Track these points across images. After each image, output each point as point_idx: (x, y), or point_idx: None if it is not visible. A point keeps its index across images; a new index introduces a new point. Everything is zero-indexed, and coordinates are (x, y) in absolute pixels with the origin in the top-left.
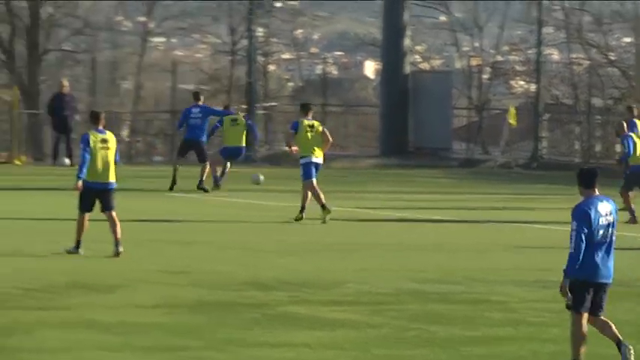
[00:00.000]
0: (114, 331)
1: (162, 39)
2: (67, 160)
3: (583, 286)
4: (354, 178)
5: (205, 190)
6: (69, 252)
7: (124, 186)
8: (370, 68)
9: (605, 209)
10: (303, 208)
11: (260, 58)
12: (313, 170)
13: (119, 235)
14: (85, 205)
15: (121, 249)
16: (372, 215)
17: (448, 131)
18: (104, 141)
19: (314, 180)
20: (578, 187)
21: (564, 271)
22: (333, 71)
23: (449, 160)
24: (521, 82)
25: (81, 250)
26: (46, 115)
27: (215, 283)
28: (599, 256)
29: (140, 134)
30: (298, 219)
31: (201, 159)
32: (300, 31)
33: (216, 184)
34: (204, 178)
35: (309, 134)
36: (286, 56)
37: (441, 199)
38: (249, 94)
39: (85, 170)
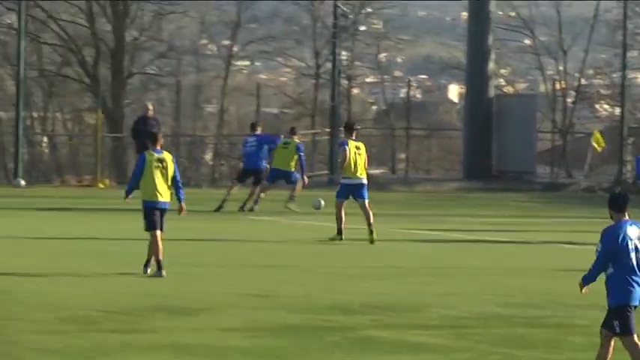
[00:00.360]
0: (199, 355)
1: (246, 62)
2: None
3: (625, 310)
4: (437, 202)
5: (250, 210)
6: (145, 272)
7: (206, 208)
8: (454, 92)
9: (634, 233)
10: (339, 231)
11: (344, 82)
12: (346, 191)
13: (160, 257)
14: (150, 224)
15: (164, 273)
16: (456, 238)
17: (532, 155)
18: (160, 160)
19: (344, 202)
20: (609, 210)
21: (582, 277)
22: (417, 95)
23: (532, 184)
24: (606, 106)
25: (148, 269)
26: (129, 138)
27: (297, 306)
28: (632, 280)
29: (224, 158)
30: (333, 239)
31: (256, 183)
32: (384, 54)
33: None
34: (250, 199)
35: (356, 155)
36: (370, 80)
37: (524, 222)
38: (332, 117)
39: (131, 185)
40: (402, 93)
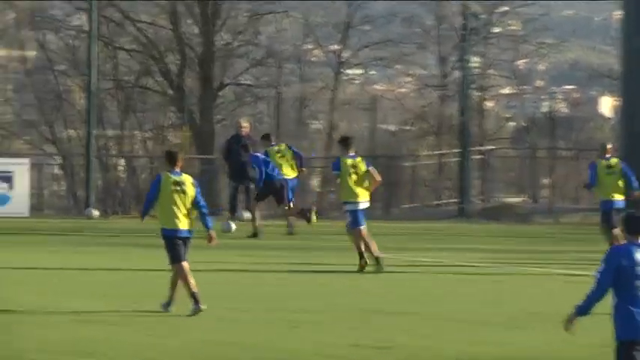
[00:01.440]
0: None
1: (358, 71)
2: (245, 214)
3: (630, 347)
4: (586, 236)
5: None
6: (167, 310)
7: (314, 245)
8: (606, 104)
9: None
10: (361, 256)
11: (475, 93)
12: (361, 216)
13: (194, 289)
14: (176, 256)
15: (203, 306)
16: None
17: None
18: (177, 183)
19: (363, 227)
20: (621, 230)
21: (575, 306)
22: (563, 108)
23: None
24: None
25: (171, 308)
26: (221, 160)
27: (423, 359)
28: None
29: (333, 184)
30: (360, 269)
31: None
32: (522, 60)
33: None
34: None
35: (353, 175)
36: (506, 91)
37: None
38: (461, 135)
39: (146, 207)
40: (545, 106)
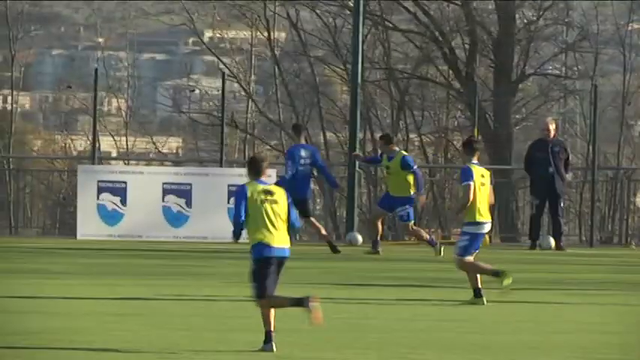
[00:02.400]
0: None
1: None
2: (551, 241)
3: None
4: None
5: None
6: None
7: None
8: None
9: None
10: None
11: None
12: (477, 244)
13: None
14: (260, 287)
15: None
16: None
17: None
18: (267, 192)
19: (469, 258)
20: None
21: None
22: None
23: None
24: None
25: (273, 345)
26: (521, 171)
27: None
28: None
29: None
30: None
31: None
32: None
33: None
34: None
35: (480, 189)
36: None
37: None
38: None
39: (237, 224)
40: None
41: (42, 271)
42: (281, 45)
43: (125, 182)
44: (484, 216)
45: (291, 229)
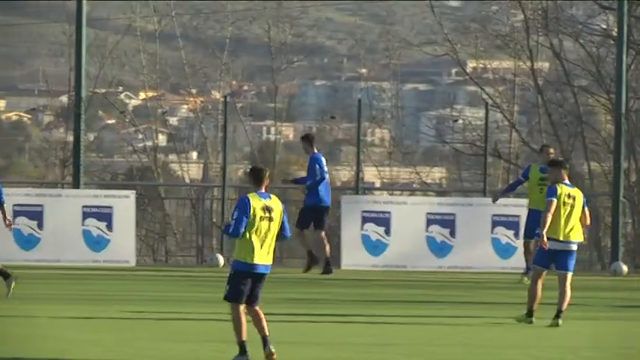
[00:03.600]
0: None
1: None
2: None
3: None
4: None
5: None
6: None
7: None
8: None
9: None
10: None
11: None
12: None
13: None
14: (233, 293)
15: (272, 348)
16: None
17: None
18: (266, 209)
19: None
20: None
21: None
22: None
23: None
24: None
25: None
26: None
27: None
28: None
29: None
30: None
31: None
32: None
33: None
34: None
35: (562, 208)
36: None
37: None
38: None
39: (235, 233)
40: None
41: (307, 301)
42: (544, 75)
43: (389, 212)
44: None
45: (281, 239)
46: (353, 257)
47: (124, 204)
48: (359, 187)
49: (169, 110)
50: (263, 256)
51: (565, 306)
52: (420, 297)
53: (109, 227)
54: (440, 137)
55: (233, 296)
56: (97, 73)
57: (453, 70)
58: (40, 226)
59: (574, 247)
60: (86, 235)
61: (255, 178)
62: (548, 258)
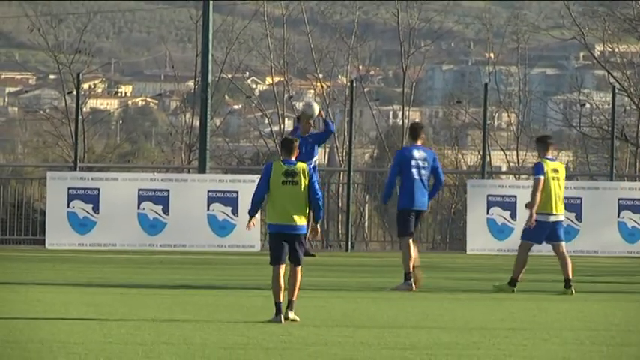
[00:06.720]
0: None
1: None
2: None
3: None
4: None
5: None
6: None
7: None
8: None
9: None
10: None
11: None
12: (543, 233)
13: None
14: (275, 257)
15: (291, 315)
16: None
17: None
18: (289, 174)
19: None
20: None
21: None
22: None
23: None
24: None
25: (281, 317)
26: None
27: None
28: None
29: None
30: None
31: None
32: None
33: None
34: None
35: (552, 182)
36: None
37: None
38: None
39: (255, 203)
40: None
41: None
42: None
43: (515, 196)
44: (555, 209)
45: (313, 201)
46: (478, 241)
47: (249, 189)
48: (485, 171)
49: (295, 95)
50: (289, 217)
51: (571, 273)
52: (547, 285)
53: (234, 212)
54: (567, 121)
55: (271, 259)
56: (223, 59)
57: (581, 54)
58: (166, 211)
59: (562, 218)
60: (211, 220)
61: (285, 148)
62: (543, 233)
